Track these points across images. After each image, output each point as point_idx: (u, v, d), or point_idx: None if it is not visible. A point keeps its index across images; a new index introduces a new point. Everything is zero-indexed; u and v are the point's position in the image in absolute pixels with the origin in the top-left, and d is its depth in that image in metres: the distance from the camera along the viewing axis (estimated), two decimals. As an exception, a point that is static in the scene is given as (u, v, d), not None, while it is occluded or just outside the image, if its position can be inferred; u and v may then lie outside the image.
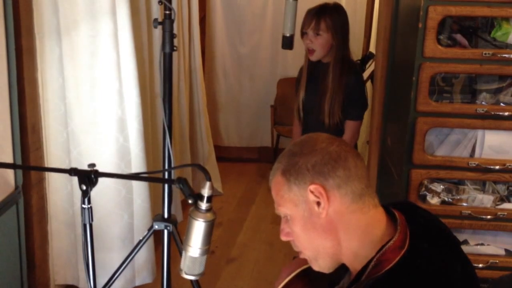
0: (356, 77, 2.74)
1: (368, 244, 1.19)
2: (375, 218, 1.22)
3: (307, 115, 2.77)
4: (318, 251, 1.25)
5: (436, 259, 1.18)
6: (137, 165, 2.72)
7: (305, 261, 1.45)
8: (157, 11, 3.08)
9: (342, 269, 1.33)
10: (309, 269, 1.41)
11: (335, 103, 2.64)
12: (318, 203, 1.20)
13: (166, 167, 2.24)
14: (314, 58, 2.69)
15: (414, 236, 1.19)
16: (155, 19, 2.10)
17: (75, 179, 1.63)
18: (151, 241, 2.91)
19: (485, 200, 2.19)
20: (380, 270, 1.14)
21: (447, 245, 1.26)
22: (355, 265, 1.23)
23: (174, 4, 2.16)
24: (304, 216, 1.22)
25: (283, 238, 1.29)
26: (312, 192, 1.19)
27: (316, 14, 2.65)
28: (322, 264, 1.27)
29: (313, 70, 2.76)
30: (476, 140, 2.16)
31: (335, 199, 1.19)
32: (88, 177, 1.60)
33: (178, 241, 2.22)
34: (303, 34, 2.69)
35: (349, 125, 2.71)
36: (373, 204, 1.22)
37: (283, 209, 1.25)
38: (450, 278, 1.18)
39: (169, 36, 2.11)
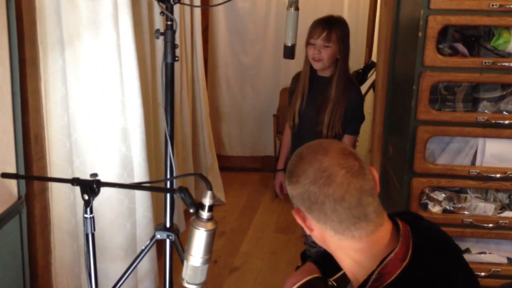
0: (358, 93, 2.80)
1: (368, 257, 1.19)
2: (371, 241, 1.19)
3: (302, 125, 2.79)
4: None
5: (439, 270, 1.18)
6: (139, 174, 2.73)
7: (309, 271, 1.46)
8: (159, 22, 3.09)
9: (346, 279, 1.34)
10: (314, 280, 1.41)
11: (336, 116, 2.67)
12: None
13: (168, 176, 2.25)
14: (318, 66, 2.70)
15: (418, 247, 1.19)
16: (157, 30, 2.11)
17: (78, 189, 1.64)
18: (153, 250, 2.91)
19: (487, 208, 2.19)
20: (382, 283, 1.14)
21: (449, 256, 1.26)
22: (355, 275, 1.23)
23: (176, 15, 2.17)
24: None
25: None
26: (295, 215, 1.23)
27: (327, 25, 2.67)
28: None
29: (311, 82, 2.78)
30: (477, 149, 2.17)
31: (316, 229, 1.22)
32: (90, 187, 1.62)
33: (180, 250, 2.22)
34: (309, 44, 2.71)
35: (348, 139, 2.77)
36: (366, 233, 1.18)
37: None
38: None
39: (170, 47, 2.13)
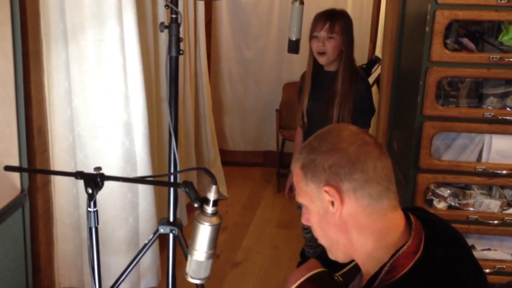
0: (365, 85, 2.74)
1: (383, 248, 1.18)
2: (392, 221, 1.20)
3: (312, 122, 2.75)
4: (332, 244, 1.26)
5: (451, 265, 1.17)
6: (142, 168, 2.72)
7: (314, 267, 1.45)
8: (163, 15, 3.08)
9: (352, 274, 1.33)
10: (319, 274, 1.40)
11: (345, 110, 2.62)
12: (333, 203, 1.19)
13: (172, 170, 2.24)
14: (324, 61, 2.66)
15: (429, 242, 1.18)
16: (162, 23, 2.10)
17: (80, 182, 1.63)
18: (156, 244, 2.91)
19: (492, 205, 2.18)
20: (394, 276, 1.13)
21: (460, 252, 1.25)
22: (367, 267, 1.22)
23: (180, 8, 2.16)
24: (319, 212, 1.22)
25: (303, 222, 1.30)
26: (326, 192, 1.18)
27: (329, 16, 2.64)
28: (335, 255, 1.28)
29: (317, 77, 2.74)
30: (483, 145, 2.16)
31: (349, 201, 1.18)
32: (94, 181, 1.61)
33: (184, 244, 2.21)
34: (312, 37, 2.68)
35: None
36: (392, 206, 1.19)
37: (302, 200, 1.26)
38: (463, 285, 1.17)
39: (175, 40, 2.11)
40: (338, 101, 2.61)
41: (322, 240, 1.27)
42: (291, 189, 2.87)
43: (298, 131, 2.91)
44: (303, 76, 2.85)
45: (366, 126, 2.74)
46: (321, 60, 2.66)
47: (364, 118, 2.71)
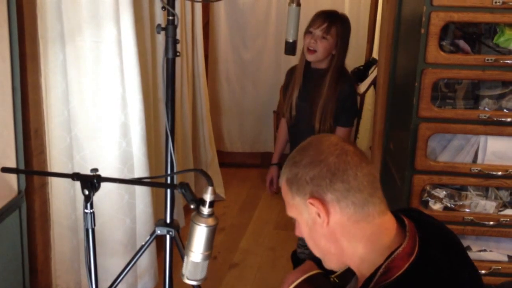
0: (349, 85, 2.75)
1: (376, 251, 1.19)
2: (381, 226, 1.21)
3: (298, 118, 2.77)
4: (324, 254, 1.27)
5: (446, 266, 1.18)
6: (139, 170, 2.72)
7: (309, 269, 1.45)
8: (160, 17, 3.08)
9: (348, 276, 1.33)
10: (315, 276, 1.41)
11: (328, 110, 2.64)
12: (319, 214, 1.20)
13: (169, 172, 2.24)
14: (312, 58, 2.67)
15: (424, 243, 1.19)
16: (159, 25, 2.10)
17: (78, 183, 1.64)
18: (153, 246, 2.91)
19: (488, 206, 2.19)
20: (389, 278, 1.14)
21: (455, 252, 1.26)
22: (361, 270, 1.22)
23: (177, 10, 2.16)
24: (308, 224, 1.24)
25: (297, 234, 1.32)
26: (311, 204, 1.20)
27: (328, 17, 2.65)
28: (329, 264, 1.29)
29: (305, 73, 2.75)
30: (478, 146, 2.16)
31: (335, 212, 1.19)
32: (90, 182, 1.61)
33: (180, 246, 2.22)
34: (307, 32, 2.68)
35: (340, 131, 2.71)
36: (378, 211, 1.20)
37: (291, 213, 1.29)
38: (459, 285, 1.17)
39: (172, 42, 2.12)
40: (322, 102, 2.63)
41: (315, 251, 1.29)
42: (272, 183, 2.91)
43: (282, 124, 2.93)
44: (290, 71, 2.87)
45: (348, 125, 2.74)
46: (309, 57, 2.67)
47: (346, 117, 2.72)
